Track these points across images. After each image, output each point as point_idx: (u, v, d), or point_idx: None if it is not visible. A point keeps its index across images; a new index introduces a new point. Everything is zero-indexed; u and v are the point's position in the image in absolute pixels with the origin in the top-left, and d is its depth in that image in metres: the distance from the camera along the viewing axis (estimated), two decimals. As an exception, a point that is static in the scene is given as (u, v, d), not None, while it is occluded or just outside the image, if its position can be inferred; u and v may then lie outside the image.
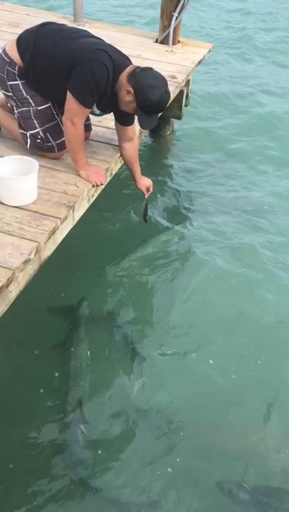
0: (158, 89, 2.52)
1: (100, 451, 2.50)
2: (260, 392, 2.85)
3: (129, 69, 2.58)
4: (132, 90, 2.54)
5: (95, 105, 2.66)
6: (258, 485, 2.38)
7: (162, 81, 2.58)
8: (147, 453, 2.52)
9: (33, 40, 2.62)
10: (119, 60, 2.59)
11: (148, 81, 2.51)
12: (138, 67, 2.60)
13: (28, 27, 2.75)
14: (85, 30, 2.76)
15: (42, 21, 2.80)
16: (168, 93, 2.61)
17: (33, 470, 2.41)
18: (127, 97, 2.58)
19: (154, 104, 2.56)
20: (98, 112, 2.78)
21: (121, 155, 3.07)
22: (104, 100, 2.65)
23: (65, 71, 2.55)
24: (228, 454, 2.55)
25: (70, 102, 2.56)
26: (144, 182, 3.20)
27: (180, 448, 2.55)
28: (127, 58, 2.70)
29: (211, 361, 2.98)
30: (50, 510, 2.27)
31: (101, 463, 2.46)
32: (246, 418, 2.72)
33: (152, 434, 2.61)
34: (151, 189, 3.25)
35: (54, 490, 2.34)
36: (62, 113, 2.68)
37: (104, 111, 2.79)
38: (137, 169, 3.12)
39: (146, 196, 3.27)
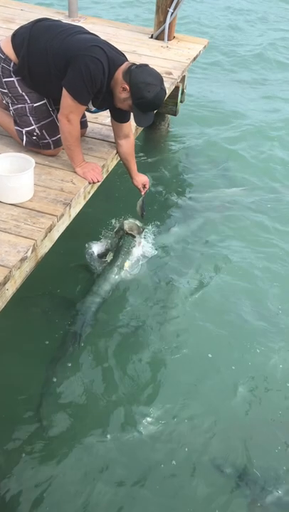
0: (154, 87, 2.52)
1: (104, 439, 2.57)
2: (259, 382, 2.90)
3: (124, 66, 2.57)
4: (127, 87, 2.53)
5: (90, 102, 2.65)
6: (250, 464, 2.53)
7: (158, 78, 2.57)
8: (149, 443, 2.58)
9: (28, 37, 2.60)
10: (115, 57, 2.58)
11: (144, 78, 2.50)
12: (134, 63, 2.59)
13: (23, 22, 2.74)
14: (81, 27, 2.74)
15: (36, 16, 2.79)
16: (163, 90, 2.60)
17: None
18: (122, 94, 2.58)
19: (149, 102, 2.55)
20: (94, 109, 2.77)
21: (117, 152, 3.06)
22: (100, 97, 2.64)
23: (61, 67, 2.54)
24: (225, 441, 2.62)
25: (66, 99, 2.54)
26: (141, 179, 3.19)
27: (180, 436, 2.61)
28: (123, 55, 2.69)
29: (209, 355, 3.01)
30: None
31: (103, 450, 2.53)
32: (245, 407, 2.78)
33: (152, 424, 2.66)
34: (147, 186, 3.25)
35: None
36: (58, 110, 2.66)
37: (99, 108, 2.78)
38: (133, 166, 3.12)
39: (142, 193, 3.26)
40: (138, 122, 2.68)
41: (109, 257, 3.22)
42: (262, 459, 2.56)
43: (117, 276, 3.24)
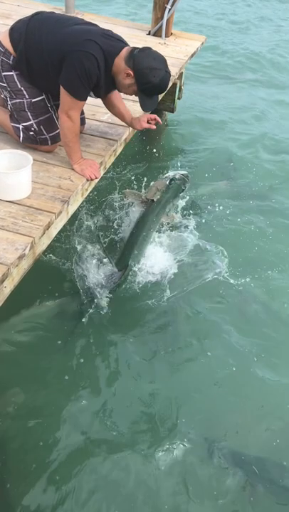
0: (159, 71, 2.50)
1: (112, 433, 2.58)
2: (258, 380, 2.91)
3: (125, 51, 2.53)
4: (131, 73, 2.50)
5: (93, 94, 2.63)
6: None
7: (162, 61, 2.55)
8: (152, 436, 2.60)
9: (25, 31, 2.58)
10: (111, 47, 2.54)
11: (148, 63, 2.48)
12: (135, 47, 2.55)
13: (19, 18, 2.71)
14: (77, 18, 2.70)
15: (33, 12, 2.75)
16: (168, 73, 2.58)
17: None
18: (126, 80, 2.55)
19: (155, 86, 2.53)
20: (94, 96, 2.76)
21: (106, 105, 2.95)
22: (102, 88, 2.62)
23: (56, 62, 2.52)
24: (224, 433, 2.66)
25: (64, 96, 2.53)
26: (142, 118, 2.93)
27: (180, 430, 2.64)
28: (121, 40, 2.64)
29: (208, 353, 3.01)
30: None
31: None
32: (243, 405, 2.80)
33: (155, 419, 2.68)
34: (153, 116, 2.92)
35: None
36: (56, 106, 2.65)
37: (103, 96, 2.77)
38: (126, 112, 2.93)
39: (159, 121, 2.92)
40: (144, 107, 2.65)
41: (156, 196, 3.25)
42: (258, 447, 2.62)
43: (161, 214, 3.35)
